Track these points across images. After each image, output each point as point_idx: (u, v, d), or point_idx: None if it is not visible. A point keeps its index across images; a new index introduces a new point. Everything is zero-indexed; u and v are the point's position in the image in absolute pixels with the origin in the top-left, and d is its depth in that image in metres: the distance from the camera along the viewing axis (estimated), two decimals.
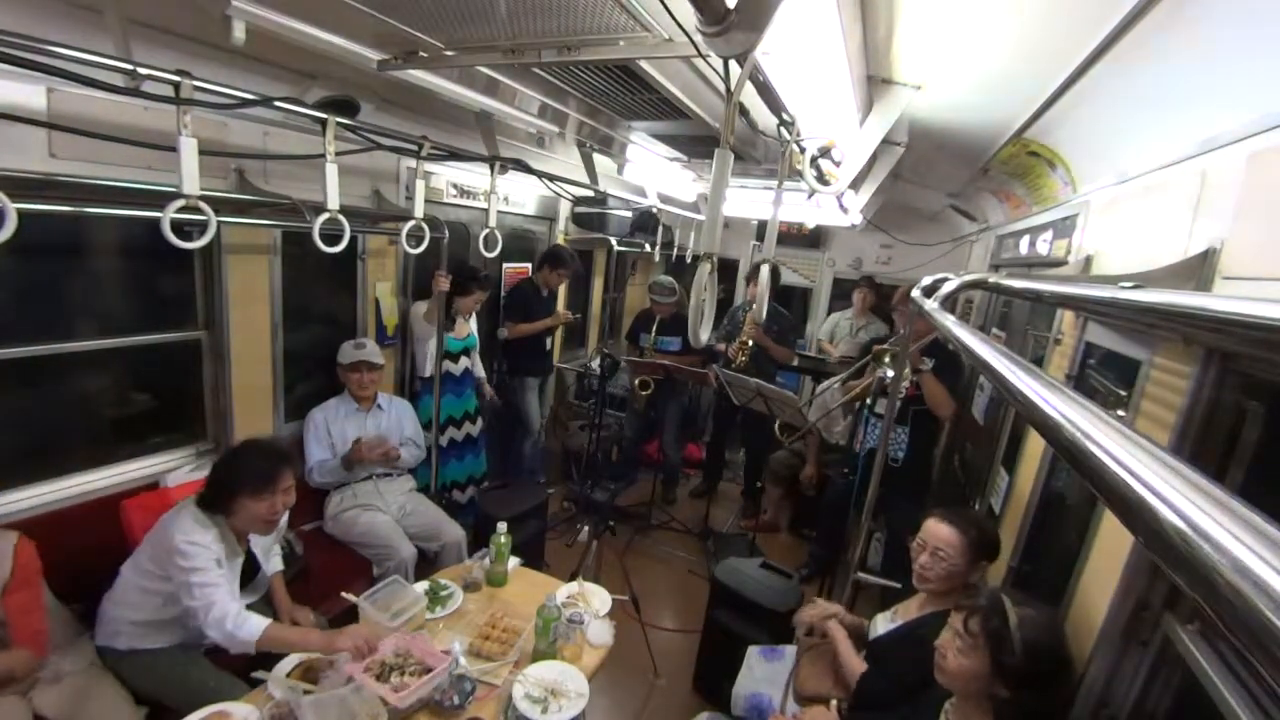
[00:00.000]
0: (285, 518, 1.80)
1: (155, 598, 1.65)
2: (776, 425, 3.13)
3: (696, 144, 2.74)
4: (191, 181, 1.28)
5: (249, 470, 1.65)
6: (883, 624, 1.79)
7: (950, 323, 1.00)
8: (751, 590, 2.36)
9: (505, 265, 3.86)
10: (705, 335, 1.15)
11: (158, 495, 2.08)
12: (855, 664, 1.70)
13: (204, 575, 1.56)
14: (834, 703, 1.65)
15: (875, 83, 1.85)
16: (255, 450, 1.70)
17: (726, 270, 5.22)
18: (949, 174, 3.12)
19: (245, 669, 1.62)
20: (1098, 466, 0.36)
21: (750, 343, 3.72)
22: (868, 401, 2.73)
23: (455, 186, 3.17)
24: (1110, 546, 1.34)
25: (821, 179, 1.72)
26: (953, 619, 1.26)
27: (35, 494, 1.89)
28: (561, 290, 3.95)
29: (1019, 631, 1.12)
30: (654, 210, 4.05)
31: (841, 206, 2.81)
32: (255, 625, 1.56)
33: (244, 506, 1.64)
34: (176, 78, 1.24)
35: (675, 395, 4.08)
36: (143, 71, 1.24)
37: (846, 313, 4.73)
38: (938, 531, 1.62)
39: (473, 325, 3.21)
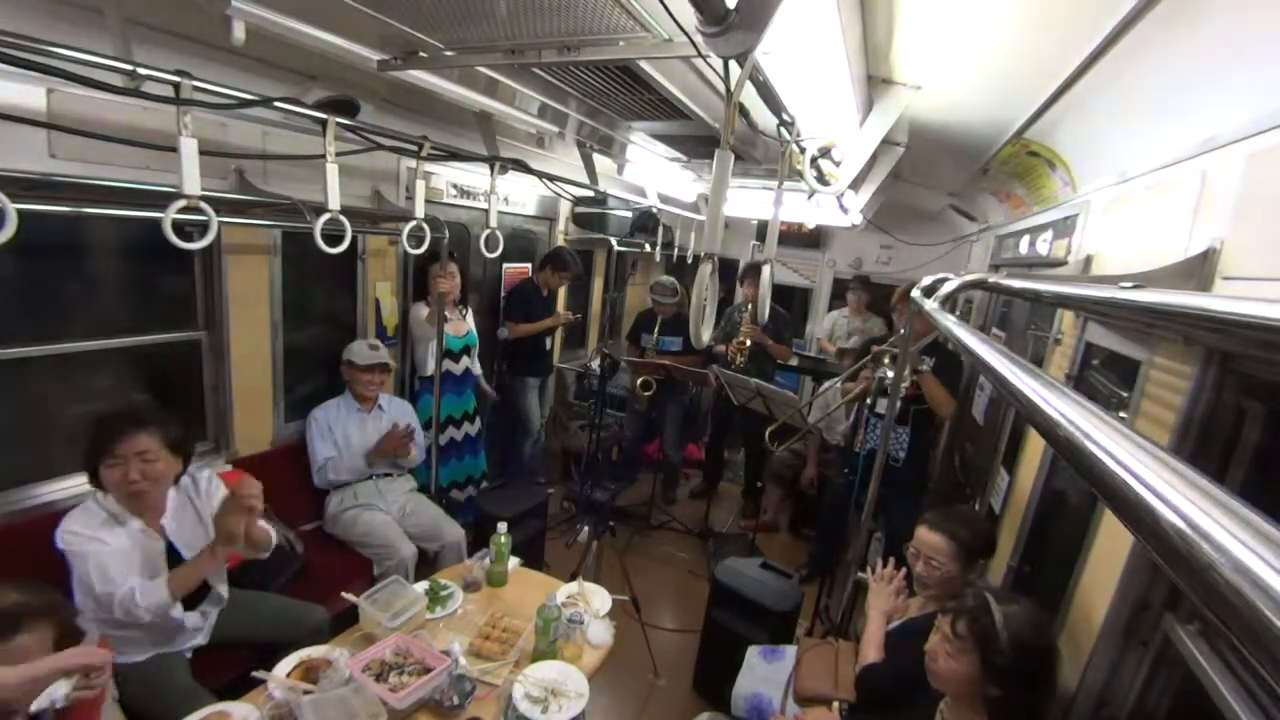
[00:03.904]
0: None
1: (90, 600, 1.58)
2: (767, 434, 2.87)
3: (696, 144, 2.74)
4: (192, 182, 1.27)
5: (95, 437, 1.59)
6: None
7: (950, 323, 1.00)
8: (751, 590, 2.36)
9: (505, 265, 3.86)
10: (706, 335, 1.15)
11: None
12: (871, 651, 1.67)
13: (96, 560, 1.51)
14: (835, 704, 1.65)
15: (875, 83, 1.85)
16: (103, 419, 1.62)
17: (727, 270, 5.21)
18: (949, 174, 3.13)
19: (239, 677, 1.59)
20: (1098, 466, 0.36)
21: (748, 343, 3.72)
22: (868, 402, 2.73)
23: (455, 187, 3.17)
24: (1110, 546, 1.34)
25: (821, 179, 1.72)
26: (940, 623, 1.26)
27: (27, 496, 1.89)
28: (561, 291, 3.96)
29: (1005, 630, 1.12)
30: (654, 210, 4.05)
31: (841, 206, 2.81)
32: (158, 584, 1.55)
33: (106, 478, 1.59)
34: (176, 78, 1.24)
35: (675, 395, 4.08)
36: (143, 72, 1.24)
37: (843, 311, 4.76)
38: (928, 540, 1.63)
39: (471, 323, 3.21)
